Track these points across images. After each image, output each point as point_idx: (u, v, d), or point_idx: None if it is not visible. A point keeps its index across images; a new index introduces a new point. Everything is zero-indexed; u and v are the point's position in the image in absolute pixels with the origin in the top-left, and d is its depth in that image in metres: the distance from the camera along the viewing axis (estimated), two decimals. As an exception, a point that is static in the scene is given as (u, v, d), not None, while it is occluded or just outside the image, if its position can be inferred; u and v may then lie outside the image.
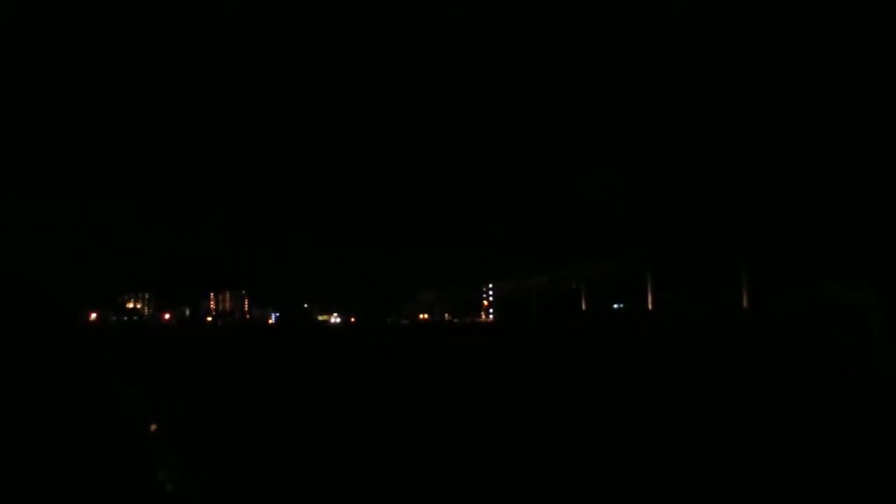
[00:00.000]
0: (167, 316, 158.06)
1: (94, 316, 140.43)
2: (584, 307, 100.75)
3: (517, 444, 11.46)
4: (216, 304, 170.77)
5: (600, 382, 22.47)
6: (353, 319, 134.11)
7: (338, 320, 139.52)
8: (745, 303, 77.37)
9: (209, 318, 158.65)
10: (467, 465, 10.21)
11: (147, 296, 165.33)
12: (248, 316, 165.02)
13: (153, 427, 11.15)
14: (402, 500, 8.68)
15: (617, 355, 34.99)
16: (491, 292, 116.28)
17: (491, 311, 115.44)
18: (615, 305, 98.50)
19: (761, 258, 71.80)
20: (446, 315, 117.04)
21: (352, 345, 51.89)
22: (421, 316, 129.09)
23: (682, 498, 8.64)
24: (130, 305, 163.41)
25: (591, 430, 13.29)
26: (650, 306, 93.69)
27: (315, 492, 9.08)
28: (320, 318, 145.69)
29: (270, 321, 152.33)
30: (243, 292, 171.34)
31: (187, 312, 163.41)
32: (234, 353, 41.61)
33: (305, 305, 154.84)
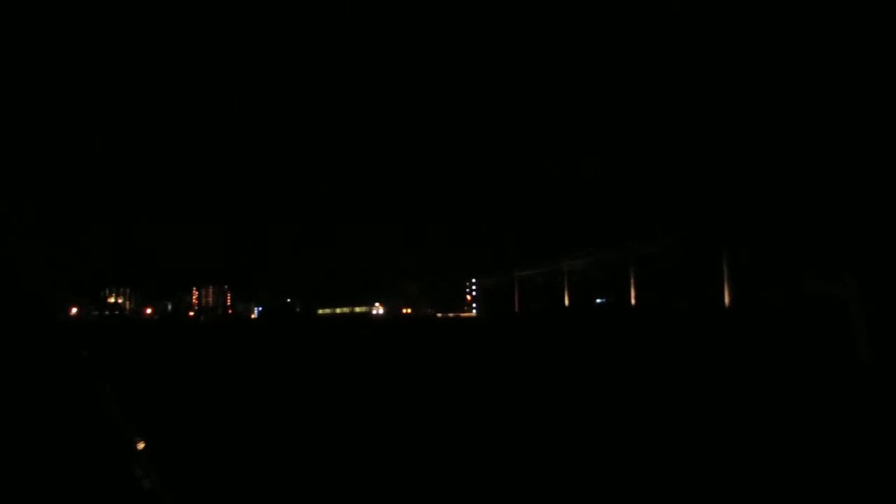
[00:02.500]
0: (149, 311, 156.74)
1: (74, 310, 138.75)
2: (567, 302, 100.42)
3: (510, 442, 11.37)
4: (199, 298, 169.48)
5: (587, 378, 22.31)
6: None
7: (381, 311, 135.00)
8: (726, 298, 77.30)
9: (191, 313, 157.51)
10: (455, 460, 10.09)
11: (129, 290, 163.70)
12: (230, 311, 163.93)
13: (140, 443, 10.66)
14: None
15: (602, 351, 34.46)
16: (474, 287, 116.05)
17: (474, 305, 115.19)
18: (598, 300, 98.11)
19: (743, 253, 72.20)
20: (429, 309, 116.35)
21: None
22: (404, 310, 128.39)
23: (672, 486, 8.58)
24: (112, 300, 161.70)
25: (579, 424, 13.17)
26: (633, 301, 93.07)
27: (301, 489, 8.96)
28: (357, 309, 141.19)
29: (253, 316, 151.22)
30: (226, 287, 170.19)
31: (169, 307, 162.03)
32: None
33: (288, 300, 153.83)
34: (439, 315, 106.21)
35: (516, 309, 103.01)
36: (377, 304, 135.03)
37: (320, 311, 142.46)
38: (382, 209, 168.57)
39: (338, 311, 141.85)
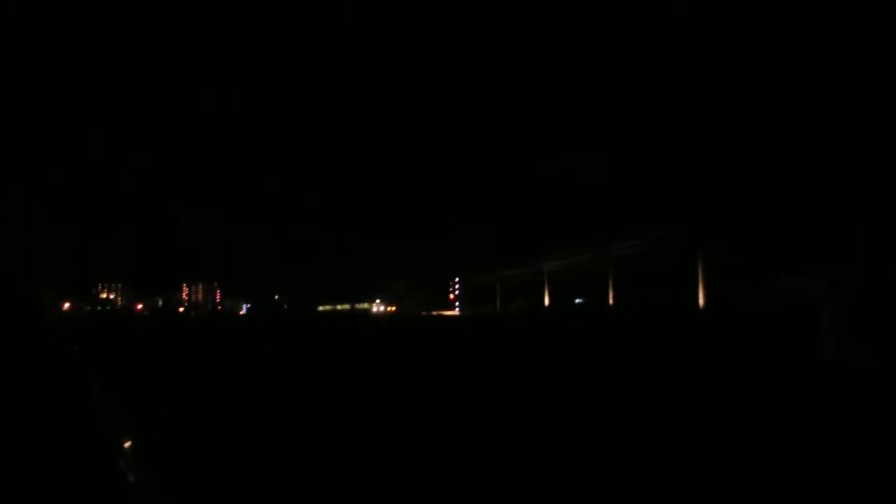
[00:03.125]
0: (140, 306, 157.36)
1: (66, 306, 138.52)
2: (546, 301, 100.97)
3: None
4: (189, 295, 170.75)
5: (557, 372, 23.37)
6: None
7: (381, 308, 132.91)
8: (701, 297, 77.79)
9: (181, 309, 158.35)
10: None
11: (120, 286, 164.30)
12: (220, 307, 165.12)
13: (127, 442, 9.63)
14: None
15: (577, 348, 35.12)
16: (457, 286, 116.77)
17: (457, 304, 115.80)
18: (577, 300, 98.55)
19: (718, 253, 73.04)
20: (418, 309, 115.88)
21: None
22: (389, 308, 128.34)
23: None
24: (104, 296, 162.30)
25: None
26: (611, 301, 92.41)
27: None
28: (359, 306, 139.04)
29: (241, 312, 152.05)
30: (215, 283, 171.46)
31: (160, 303, 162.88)
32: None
33: (276, 297, 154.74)
34: (423, 313, 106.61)
35: (498, 308, 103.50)
36: (378, 301, 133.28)
37: (321, 308, 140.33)
38: (370, 208, 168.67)
39: (339, 307, 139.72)
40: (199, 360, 29.54)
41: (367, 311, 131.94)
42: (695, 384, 19.21)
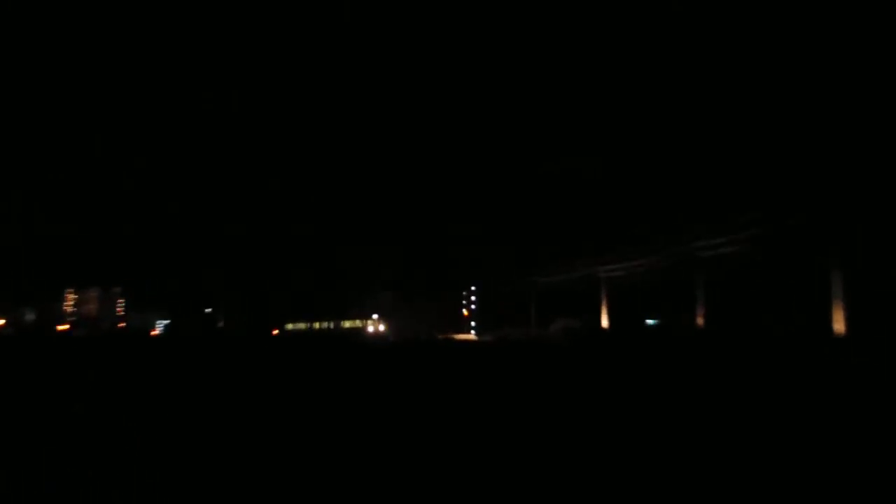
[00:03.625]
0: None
1: None
2: (605, 321, 73.07)
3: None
4: (76, 306, 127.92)
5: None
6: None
7: (380, 328, 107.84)
8: (839, 318, 52.14)
9: (64, 326, 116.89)
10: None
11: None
12: (122, 324, 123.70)
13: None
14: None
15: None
16: (472, 298, 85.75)
17: (473, 323, 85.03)
18: (649, 321, 72.91)
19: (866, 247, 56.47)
20: (426, 329, 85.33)
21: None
22: (372, 328, 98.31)
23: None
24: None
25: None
26: (700, 321, 68.02)
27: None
28: (347, 324, 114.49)
29: (155, 332, 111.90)
30: (118, 290, 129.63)
31: (28, 316, 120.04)
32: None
33: (208, 310, 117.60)
34: (424, 337, 76.53)
35: (533, 329, 75.28)
36: (374, 317, 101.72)
37: (290, 327, 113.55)
38: (357, 200, 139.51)
39: (316, 325, 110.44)
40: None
41: (361, 330, 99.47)
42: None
